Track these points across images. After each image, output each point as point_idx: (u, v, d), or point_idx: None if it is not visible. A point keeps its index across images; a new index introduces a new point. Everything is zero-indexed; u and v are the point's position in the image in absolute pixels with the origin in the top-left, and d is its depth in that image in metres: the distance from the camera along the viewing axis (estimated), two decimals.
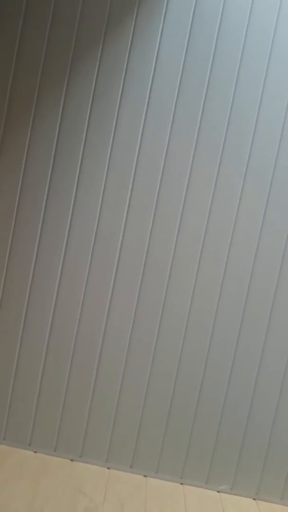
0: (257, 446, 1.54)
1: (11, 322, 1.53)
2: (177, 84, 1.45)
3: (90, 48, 1.46)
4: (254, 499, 1.54)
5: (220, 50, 1.44)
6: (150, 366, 1.53)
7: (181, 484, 1.55)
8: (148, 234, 1.49)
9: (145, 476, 1.55)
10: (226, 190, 1.48)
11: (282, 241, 1.49)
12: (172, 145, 1.47)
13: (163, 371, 1.53)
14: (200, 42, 1.44)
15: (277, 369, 1.52)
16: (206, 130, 1.46)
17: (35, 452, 1.55)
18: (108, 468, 1.55)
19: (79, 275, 1.51)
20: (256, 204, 1.48)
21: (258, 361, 1.52)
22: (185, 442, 1.55)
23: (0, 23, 1.45)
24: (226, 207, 1.48)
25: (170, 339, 1.52)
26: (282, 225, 1.49)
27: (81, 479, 1.46)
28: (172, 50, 1.45)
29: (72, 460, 1.55)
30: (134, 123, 1.47)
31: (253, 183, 1.48)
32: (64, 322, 1.52)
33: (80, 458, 1.55)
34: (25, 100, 1.47)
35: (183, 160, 1.47)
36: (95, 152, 1.48)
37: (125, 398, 1.54)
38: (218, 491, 1.54)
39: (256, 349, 1.52)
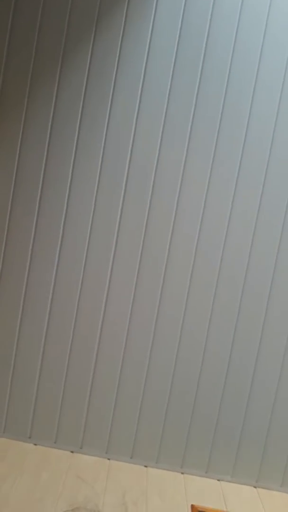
0: (257, 435, 1.55)
1: (9, 315, 1.52)
2: (169, 76, 1.44)
3: (82, 38, 1.44)
4: (254, 486, 1.55)
5: (212, 42, 1.43)
6: (149, 357, 1.53)
7: (182, 473, 1.55)
8: (144, 221, 1.49)
9: (145, 466, 1.56)
10: (219, 186, 1.47)
11: (276, 232, 1.49)
12: (165, 138, 1.46)
13: (162, 362, 1.53)
14: (192, 33, 1.43)
15: (275, 359, 1.53)
16: (199, 126, 1.46)
17: (35, 444, 1.55)
18: (109, 459, 1.55)
19: (76, 266, 1.50)
20: (249, 202, 1.48)
21: (256, 351, 1.52)
22: (185, 432, 1.55)
23: None
24: (220, 202, 1.48)
25: (169, 329, 1.52)
26: (275, 222, 1.49)
27: (82, 471, 1.46)
28: (165, 42, 1.43)
29: (72, 452, 1.55)
30: (127, 117, 1.45)
31: (246, 179, 1.47)
32: (62, 313, 1.52)
33: (80, 449, 1.56)
34: (17, 92, 1.45)
35: (176, 154, 1.46)
36: (87, 149, 1.47)
37: (124, 389, 1.54)
38: (218, 479, 1.55)
39: (253, 340, 1.52)
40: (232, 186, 1.47)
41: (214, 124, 1.46)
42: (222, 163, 1.47)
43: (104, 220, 1.49)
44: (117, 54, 1.44)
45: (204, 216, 1.48)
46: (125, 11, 1.43)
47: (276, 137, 1.46)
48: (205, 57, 1.44)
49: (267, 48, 1.44)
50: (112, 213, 1.49)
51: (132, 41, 1.43)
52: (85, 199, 1.49)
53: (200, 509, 1.37)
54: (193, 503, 1.40)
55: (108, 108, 1.45)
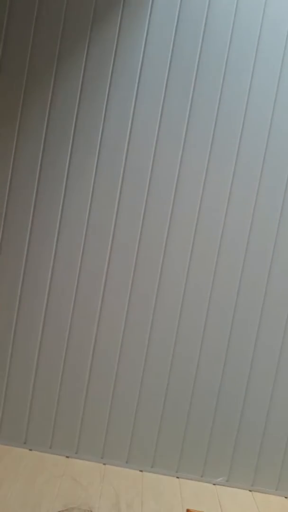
0: (252, 438, 1.55)
1: (3, 320, 1.53)
2: (165, 74, 1.47)
3: (77, 42, 1.46)
4: (250, 490, 1.55)
5: (207, 45, 1.46)
6: (144, 362, 1.53)
7: (177, 477, 1.55)
8: (140, 219, 1.50)
9: (141, 470, 1.55)
10: (215, 184, 1.49)
11: (271, 235, 1.51)
12: (162, 133, 1.48)
13: (157, 367, 1.54)
14: (186, 37, 1.46)
15: (270, 362, 1.53)
16: (195, 125, 1.48)
17: (31, 449, 1.55)
18: (104, 464, 1.55)
19: (72, 264, 1.51)
20: (246, 200, 1.50)
21: (251, 356, 1.53)
22: (180, 436, 1.55)
23: None
24: (217, 200, 1.50)
25: (164, 335, 1.53)
26: (271, 220, 1.51)
27: (77, 475, 1.46)
28: (159, 44, 1.46)
29: (67, 457, 1.55)
30: (123, 118, 1.48)
31: (242, 178, 1.49)
32: (57, 319, 1.52)
33: (75, 454, 1.55)
34: (12, 97, 1.47)
35: (172, 154, 1.48)
36: (83, 148, 1.49)
37: (119, 394, 1.54)
38: (215, 484, 1.55)
39: (248, 344, 1.53)
40: (227, 190, 1.49)
41: (209, 128, 1.48)
42: (218, 164, 1.49)
43: (100, 221, 1.50)
44: (113, 56, 1.46)
45: (200, 218, 1.50)
46: (120, 15, 1.45)
47: (272, 136, 1.48)
48: (200, 60, 1.46)
49: (262, 50, 1.46)
50: (108, 213, 1.50)
51: (128, 44, 1.46)
52: (81, 199, 1.50)
53: None
54: (189, 508, 1.40)
55: (104, 109, 1.47)
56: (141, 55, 1.46)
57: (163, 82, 1.47)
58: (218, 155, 1.48)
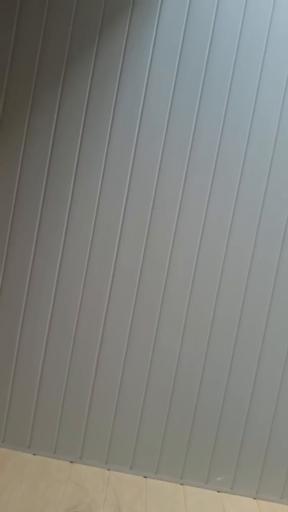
0: (257, 446, 1.54)
1: (8, 325, 1.53)
2: (172, 85, 1.48)
3: (85, 48, 1.48)
4: (254, 498, 1.54)
5: (215, 52, 1.47)
6: (149, 367, 1.53)
7: (181, 484, 1.55)
8: (147, 220, 1.51)
9: (145, 477, 1.55)
10: (221, 193, 1.50)
11: (278, 239, 1.51)
12: (167, 147, 1.49)
13: (162, 371, 1.53)
14: (194, 47, 1.46)
15: (275, 367, 1.53)
16: (200, 136, 1.48)
17: (35, 454, 1.55)
18: (108, 470, 1.55)
19: (78, 266, 1.51)
20: (251, 210, 1.50)
21: (256, 363, 1.53)
22: (185, 443, 1.55)
23: None
24: (220, 213, 1.50)
25: (168, 339, 1.52)
26: (276, 235, 1.51)
27: (81, 481, 1.45)
28: (167, 53, 1.47)
29: (71, 462, 1.55)
30: (129, 125, 1.48)
31: (247, 191, 1.50)
32: (63, 324, 1.53)
33: (79, 460, 1.55)
34: (20, 105, 1.48)
35: (178, 164, 1.49)
36: (89, 157, 1.50)
37: (124, 399, 1.54)
38: (218, 491, 1.54)
39: (254, 348, 1.53)
40: (232, 202, 1.50)
41: (215, 139, 1.48)
42: (223, 175, 1.49)
43: (106, 228, 1.51)
44: (120, 64, 1.47)
45: (205, 229, 1.50)
46: (128, 22, 1.47)
47: (278, 146, 1.49)
48: (207, 68, 1.47)
49: (269, 58, 1.47)
50: (114, 219, 1.51)
51: (135, 52, 1.47)
52: (87, 207, 1.50)
53: None
54: None
55: (111, 116, 1.48)
56: (148, 68, 1.47)
57: (171, 85, 1.47)
58: (225, 158, 1.49)
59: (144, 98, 1.48)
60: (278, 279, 1.51)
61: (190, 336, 1.52)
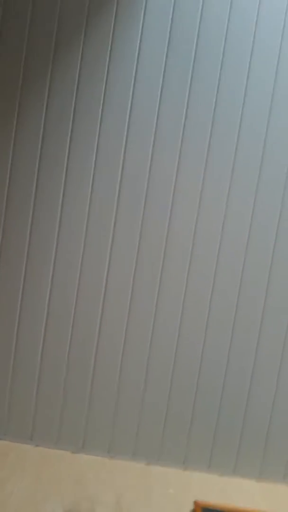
0: (258, 428, 1.55)
1: (6, 316, 1.52)
2: (160, 79, 1.45)
3: (72, 40, 1.44)
4: (257, 480, 1.55)
5: (202, 44, 1.43)
6: (148, 354, 1.53)
7: (184, 469, 1.55)
8: (140, 217, 1.49)
9: (147, 464, 1.55)
10: (214, 186, 1.48)
11: (272, 232, 1.50)
12: (157, 145, 1.47)
13: (161, 359, 1.53)
14: (182, 36, 1.43)
15: (275, 352, 1.53)
16: (191, 132, 1.46)
17: (37, 445, 1.55)
18: (111, 458, 1.55)
19: (73, 260, 1.50)
20: (243, 206, 1.48)
21: (255, 345, 1.52)
22: (186, 428, 1.55)
23: None
24: (214, 207, 1.49)
25: (168, 328, 1.52)
26: (270, 225, 1.49)
27: (84, 470, 1.46)
28: (155, 45, 1.44)
29: (73, 452, 1.55)
30: (118, 120, 1.46)
31: (240, 182, 1.48)
32: (61, 313, 1.52)
33: (82, 449, 1.56)
34: (7, 98, 1.46)
35: (169, 159, 1.47)
36: (80, 154, 1.47)
37: (124, 388, 1.54)
38: (221, 475, 1.55)
39: (253, 333, 1.52)
40: (224, 199, 1.48)
41: (206, 131, 1.46)
42: (215, 172, 1.47)
43: (99, 226, 1.49)
44: (108, 56, 1.44)
45: (198, 225, 1.49)
46: (114, 13, 1.43)
47: (268, 142, 1.47)
48: (196, 60, 1.44)
49: (257, 51, 1.44)
50: (107, 217, 1.49)
51: (122, 44, 1.44)
52: (78, 204, 1.49)
53: (203, 505, 1.36)
54: (196, 499, 1.40)
55: (100, 112, 1.46)
56: (136, 60, 1.44)
57: (159, 75, 1.44)
58: (214, 164, 1.47)
59: (134, 87, 1.45)
60: (273, 267, 1.50)
61: (189, 322, 1.52)
